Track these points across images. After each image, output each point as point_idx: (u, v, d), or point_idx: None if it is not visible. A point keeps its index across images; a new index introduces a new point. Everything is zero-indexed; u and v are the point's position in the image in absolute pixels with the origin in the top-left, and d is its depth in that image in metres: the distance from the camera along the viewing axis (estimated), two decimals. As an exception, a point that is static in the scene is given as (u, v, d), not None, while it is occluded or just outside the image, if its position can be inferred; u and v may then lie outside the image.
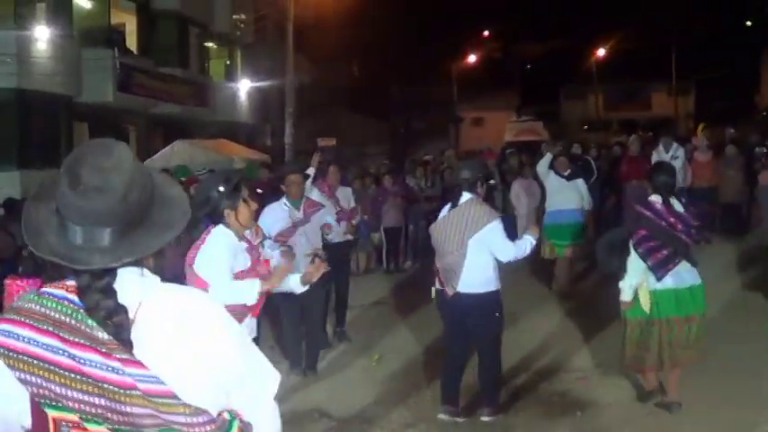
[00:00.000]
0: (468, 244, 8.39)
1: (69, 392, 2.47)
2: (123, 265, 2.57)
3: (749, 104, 60.02)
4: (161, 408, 2.49)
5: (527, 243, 8.62)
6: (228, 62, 41.72)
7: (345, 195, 12.99)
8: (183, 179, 16.77)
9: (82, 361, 2.46)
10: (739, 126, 32.22)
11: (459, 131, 68.78)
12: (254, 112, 41.32)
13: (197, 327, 2.63)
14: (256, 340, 6.26)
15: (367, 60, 54.22)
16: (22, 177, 24.37)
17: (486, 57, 70.54)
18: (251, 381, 2.83)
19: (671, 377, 8.72)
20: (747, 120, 48.43)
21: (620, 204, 17.82)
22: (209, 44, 40.23)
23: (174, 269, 6.00)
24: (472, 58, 68.25)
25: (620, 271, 8.50)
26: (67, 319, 2.50)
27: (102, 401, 2.47)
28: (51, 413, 2.50)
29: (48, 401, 2.49)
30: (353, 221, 12.80)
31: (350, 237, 12.85)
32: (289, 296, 9.62)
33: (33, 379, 2.48)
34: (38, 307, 2.53)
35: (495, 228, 8.48)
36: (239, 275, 6.08)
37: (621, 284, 8.49)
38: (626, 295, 8.46)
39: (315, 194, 11.46)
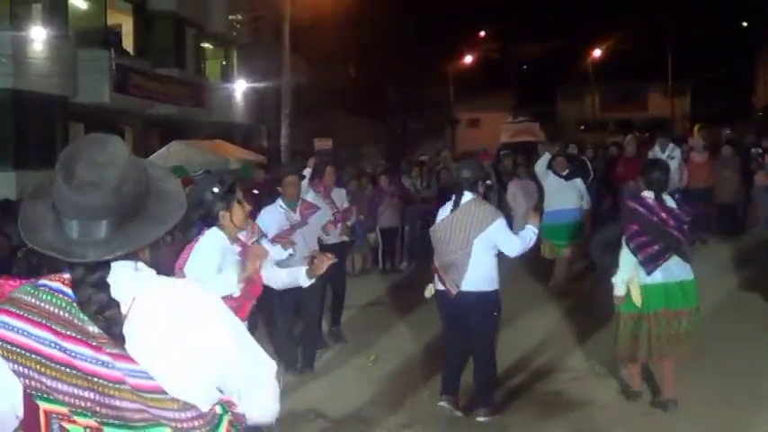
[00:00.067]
0: (473, 243, 8.47)
1: (60, 385, 2.50)
2: (116, 259, 2.59)
3: (745, 105, 60.03)
4: (149, 402, 2.52)
5: (530, 233, 8.74)
6: (225, 63, 41.72)
7: (339, 196, 13.00)
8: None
9: (73, 354, 2.49)
10: (735, 127, 32.23)
11: (456, 132, 68.74)
12: (251, 113, 41.31)
13: (192, 319, 2.65)
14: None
15: (363, 61, 54.21)
16: (18, 178, 24.33)
17: (482, 57, 70.52)
18: (247, 371, 2.86)
19: (666, 375, 8.79)
20: (744, 120, 48.46)
21: (617, 205, 17.79)
22: (206, 45, 40.23)
23: (167, 268, 6.00)
24: (468, 59, 68.30)
25: (613, 267, 8.59)
26: (61, 312, 2.53)
27: (92, 395, 2.50)
28: (42, 405, 2.53)
29: (39, 393, 2.52)
30: (348, 222, 12.80)
31: (345, 237, 12.87)
32: (284, 296, 9.68)
33: (26, 371, 2.51)
34: (33, 299, 2.56)
35: (500, 225, 8.61)
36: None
37: (614, 279, 8.58)
38: (619, 290, 8.55)
39: (310, 196, 11.44)
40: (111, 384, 2.50)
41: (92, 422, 2.54)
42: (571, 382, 9.83)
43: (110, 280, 2.59)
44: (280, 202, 10.55)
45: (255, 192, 16.54)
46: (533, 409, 9.09)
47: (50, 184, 2.61)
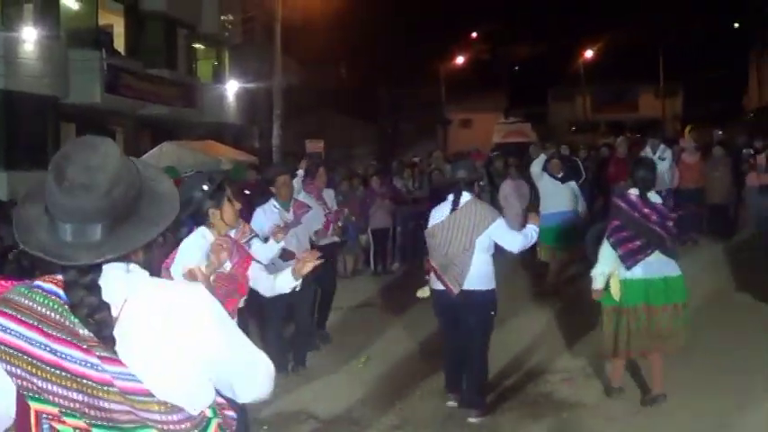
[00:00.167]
0: (475, 243, 8.54)
1: (50, 386, 2.52)
2: (107, 261, 2.60)
3: (737, 106, 60.14)
4: (136, 405, 2.54)
5: (532, 232, 8.80)
6: (216, 63, 41.66)
7: (328, 197, 13.03)
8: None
9: (63, 356, 2.52)
10: (727, 128, 32.36)
11: (448, 133, 68.73)
12: (242, 114, 41.26)
13: (183, 320, 2.67)
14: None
15: (355, 62, 54.21)
16: (10, 179, 24.32)
17: (474, 58, 70.59)
18: (239, 367, 2.89)
19: (654, 370, 8.89)
20: (735, 121, 48.58)
21: (608, 206, 17.81)
22: (197, 45, 40.19)
23: (158, 268, 5.99)
24: (460, 60, 68.29)
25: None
26: (52, 314, 2.55)
27: (81, 397, 2.53)
28: (34, 405, 2.56)
29: (31, 394, 2.55)
30: (339, 223, 12.80)
31: (336, 238, 12.88)
32: (276, 298, 9.65)
33: (18, 371, 2.53)
34: (27, 301, 2.58)
35: (501, 224, 8.74)
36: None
37: (593, 272, 8.74)
38: (596, 283, 8.72)
39: (302, 196, 11.46)
40: (99, 386, 2.53)
41: (81, 423, 2.56)
42: (561, 383, 9.85)
43: (101, 282, 2.60)
44: (273, 201, 10.56)
45: (247, 192, 16.53)
46: (524, 409, 9.10)
47: (44, 184, 2.62)
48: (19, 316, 2.55)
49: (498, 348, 9.47)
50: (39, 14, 27.15)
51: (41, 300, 2.58)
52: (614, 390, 9.04)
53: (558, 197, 14.74)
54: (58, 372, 2.52)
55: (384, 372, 10.72)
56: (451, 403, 9.00)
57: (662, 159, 17.85)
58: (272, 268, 9.37)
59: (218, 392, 2.87)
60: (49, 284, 2.61)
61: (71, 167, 2.55)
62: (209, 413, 2.73)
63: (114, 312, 2.57)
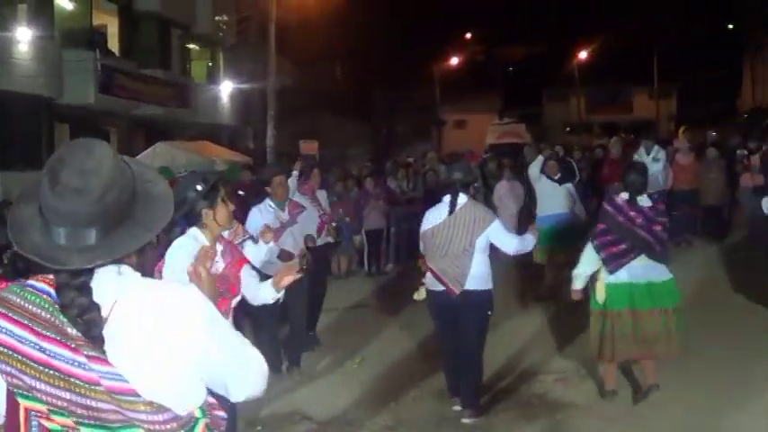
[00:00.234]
0: (475, 243, 8.59)
1: (39, 385, 2.55)
2: (99, 266, 2.61)
3: (731, 107, 60.24)
4: (123, 405, 2.57)
5: (530, 240, 8.90)
6: (210, 64, 41.60)
7: (321, 198, 13.04)
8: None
9: (52, 355, 2.54)
10: (721, 129, 32.41)
11: (442, 134, 68.79)
12: (236, 114, 41.20)
13: (175, 319, 2.68)
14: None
15: (349, 63, 54.21)
16: (3, 179, 24.22)
17: (468, 59, 70.58)
18: (232, 367, 2.89)
19: (647, 368, 8.97)
20: (729, 122, 48.65)
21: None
22: (191, 46, 40.12)
23: (151, 269, 5.97)
24: (454, 61, 68.26)
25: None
26: (43, 313, 2.58)
27: (69, 395, 2.55)
28: (23, 402, 2.58)
29: (20, 391, 2.57)
30: (333, 223, 12.82)
31: (330, 239, 12.90)
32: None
33: (8, 369, 2.56)
34: (18, 299, 2.60)
35: (498, 226, 8.78)
36: None
37: (573, 272, 8.94)
38: (575, 283, 8.92)
39: (296, 197, 11.47)
40: (87, 386, 2.55)
41: (68, 421, 2.58)
42: (555, 384, 9.86)
43: (93, 284, 2.62)
44: (268, 201, 10.56)
45: (241, 193, 16.53)
46: (517, 410, 9.11)
47: (39, 185, 2.63)
48: (10, 314, 2.57)
49: (492, 350, 9.48)
50: (33, 15, 27.09)
51: (33, 299, 2.60)
52: (608, 392, 9.05)
53: (555, 199, 14.68)
54: (46, 370, 2.54)
55: (378, 373, 10.72)
56: (457, 407, 8.96)
57: (656, 160, 17.89)
58: (270, 268, 9.46)
59: (210, 392, 2.88)
60: (42, 284, 2.63)
61: (65, 171, 2.56)
62: (197, 413, 2.74)
63: (104, 313, 2.59)
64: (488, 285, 8.80)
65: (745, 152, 19.90)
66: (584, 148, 26.59)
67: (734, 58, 60.17)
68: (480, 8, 63.03)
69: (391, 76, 58.16)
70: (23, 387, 2.55)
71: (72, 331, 2.55)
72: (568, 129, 69.77)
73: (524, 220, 18.43)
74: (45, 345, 2.54)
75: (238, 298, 6.10)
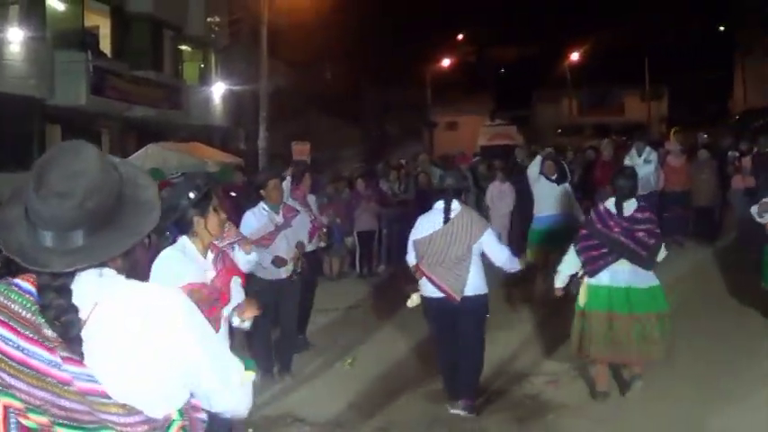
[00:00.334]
0: (472, 250, 8.76)
1: (17, 383, 2.58)
2: (80, 269, 2.64)
3: (722, 109, 60.35)
4: (94, 406, 2.60)
5: (515, 263, 9.16)
6: (203, 65, 41.52)
7: (311, 202, 13.03)
8: (156, 182, 16.62)
9: (29, 354, 2.58)
10: (712, 130, 32.47)
11: (434, 135, 68.74)
12: (228, 116, 41.12)
13: (157, 322, 2.70)
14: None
15: (341, 64, 54.12)
16: (-6, 180, 24.22)
17: (459, 61, 70.58)
18: (214, 374, 2.89)
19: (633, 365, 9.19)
20: (720, 124, 48.76)
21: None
22: (184, 47, 40.03)
23: (143, 272, 5.96)
24: (446, 63, 68.21)
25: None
26: (24, 313, 2.61)
27: (44, 394, 2.59)
28: (2, 399, 2.61)
29: (0, 388, 2.60)
30: (323, 229, 12.83)
31: (321, 244, 12.95)
32: (262, 296, 9.70)
33: None
34: (2, 298, 2.63)
35: (491, 234, 8.99)
36: (192, 287, 5.88)
37: (557, 270, 9.31)
38: (556, 281, 9.27)
39: (289, 201, 11.46)
40: (60, 386, 2.58)
41: (44, 420, 2.61)
42: (546, 385, 9.89)
43: (73, 286, 2.64)
44: (263, 204, 10.52)
45: (233, 194, 16.54)
46: (509, 411, 9.13)
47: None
48: None
49: (484, 352, 9.49)
50: (24, 15, 26.99)
51: (16, 298, 2.63)
52: (599, 394, 9.09)
53: (553, 199, 14.66)
54: (24, 369, 2.57)
55: (371, 374, 10.72)
56: (454, 411, 8.99)
57: (647, 162, 17.95)
58: (264, 272, 9.48)
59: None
60: (26, 283, 2.65)
61: (50, 174, 2.58)
62: (174, 415, 2.75)
63: (84, 315, 2.60)
64: (485, 290, 8.96)
65: (737, 154, 19.99)
66: (576, 149, 26.59)
67: (725, 60, 60.25)
68: (472, 9, 63.09)
69: (383, 77, 58.13)
70: (3, 384, 2.58)
71: (48, 332, 2.58)
72: (560, 131, 69.79)
73: (516, 221, 18.49)
74: (23, 344, 2.57)
75: (229, 307, 6.07)
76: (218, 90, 39.91)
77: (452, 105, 67.72)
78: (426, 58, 64.04)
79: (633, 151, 18.63)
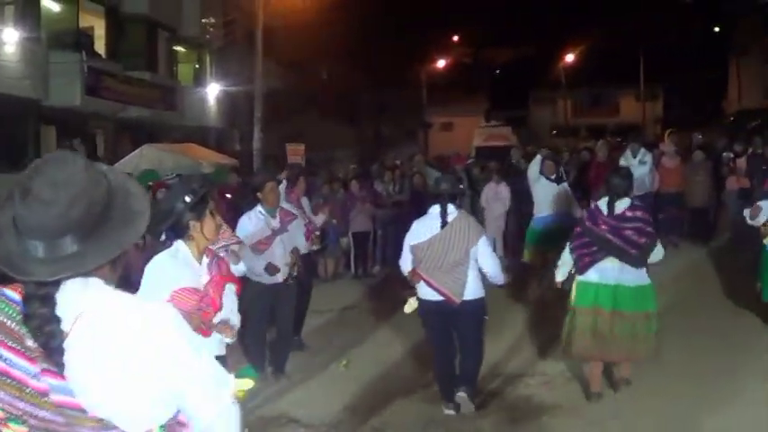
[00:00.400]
0: (470, 253, 8.80)
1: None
2: (63, 279, 2.61)
3: (717, 110, 60.38)
4: (70, 419, 2.59)
5: (503, 276, 9.31)
6: (197, 66, 41.52)
7: (305, 205, 13.02)
8: (150, 183, 16.66)
9: (11, 364, 2.58)
10: (707, 131, 32.45)
11: (429, 136, 68.73)
12: (223, 117, 41.13)
13: (142, 337, 2.66)
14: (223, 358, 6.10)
15: (336, 65, 54.10)
16: (-12, 181, 24.18)
17: (455, 62, 70.63)
18: (200, 387, 2.83)
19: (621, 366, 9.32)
20: (715, 125, 48.80)
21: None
22: (178, 48, 40.01)
23: (138, 273, 5.95)
24: (441, 64, 68.28)
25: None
26: (9, 322, 2.61)
27: (23, 405, 2.58)
28: None
29: None
30: (317, 232, 12.80)
31: (315, 247, 12.95)
32: (259, 298, 9.75)
33: None
34: None
35: (486, 241, 9.04)
36: (183, 292, 5.87)
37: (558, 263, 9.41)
38: (557, 275, 9.42)
39: (284, 204, 11.44)
40: (39, 397, 2.58)
41: (23, 430, 2.61)
42: (541, 387, 9.89)
43: (58, 295, 2.61)
44: (259, 208, 10.47)
45: (228, 195, 16.53)
46: (504, 413, 9.13)
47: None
48: None
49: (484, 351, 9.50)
50: (19, 16, 26.96)
51: (3, 307, 2.63)
52: (593, 395, 9.11)
53: (553, 199, 14.64)
54: (5, 379, 2.57)
55: (366, 375, 10.71)
56: (449, 411, 9.02)
57: (642, 163, 17.97)
58: (260, 277, 9.47)
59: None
60: (14, 293, 2.65)
61: (36, 182, 2.58)
62: (155, 430, 2.72)
63: (68, 326, 2.58)
64: (482, 293, 9.01)
65: (731, 155, 20.01)
66: (572, 150, 26.60)
67: (720, 61, 60.28)
68: (467, 10, 63.08)
69: (378, 77, 58.10)
70: None
71: (30, 343, 2.57)
72: (555, 132, 69.90)
73: (512, 222, 18.50)
74: (6, 354, 2.57)
75: (221, 314, 6.05)
76: (213, 91, 39.93)
77: (448, 106, 67.70)
78: (421, 59, 64.12)
79: (628, 152, 18.66)
